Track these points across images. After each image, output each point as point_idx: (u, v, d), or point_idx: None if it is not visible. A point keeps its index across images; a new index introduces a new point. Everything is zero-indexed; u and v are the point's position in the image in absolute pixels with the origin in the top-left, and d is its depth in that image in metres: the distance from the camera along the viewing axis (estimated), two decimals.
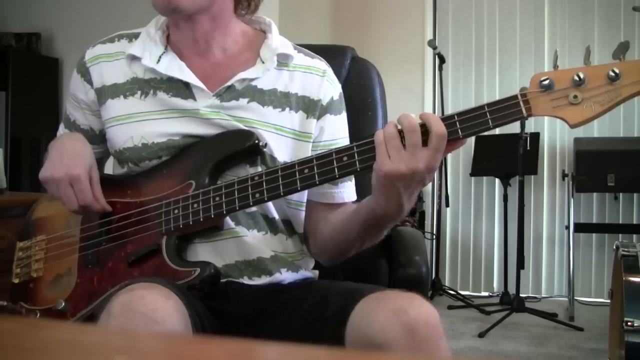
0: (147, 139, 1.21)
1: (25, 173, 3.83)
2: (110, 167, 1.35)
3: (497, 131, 4.25)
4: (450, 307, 3.89)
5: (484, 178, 4.42)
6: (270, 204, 1.22)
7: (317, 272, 1.32)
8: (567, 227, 3.91)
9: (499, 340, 3.22)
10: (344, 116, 1.31)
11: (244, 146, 1.18)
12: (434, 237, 4.31)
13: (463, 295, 4.16)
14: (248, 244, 1.19)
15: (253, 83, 1.23)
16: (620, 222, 4.20)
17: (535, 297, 4.21)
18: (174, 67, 1.22)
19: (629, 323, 1.92)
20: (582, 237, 4.19)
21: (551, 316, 3.56)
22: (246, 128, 1.20)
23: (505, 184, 4.01)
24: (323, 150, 1.15)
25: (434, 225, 4.32)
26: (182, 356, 0.51)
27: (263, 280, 1.20)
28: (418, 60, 4.53)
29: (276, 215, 1.24)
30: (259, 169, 1.19)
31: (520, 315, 3.48)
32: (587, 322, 3.50)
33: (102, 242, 1.22)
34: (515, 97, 1.01)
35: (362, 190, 1.32)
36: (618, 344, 2.11)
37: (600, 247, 4.22)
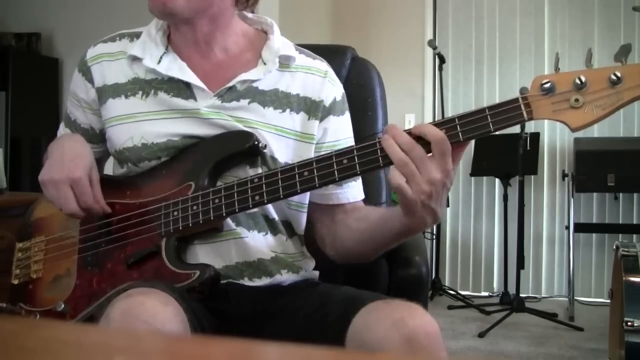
0: (147, 139, 1.21)
1: (25, 173, 3.83)
2: (110, 167, 1.35)
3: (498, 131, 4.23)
4: (450, 307, 3.89)
5: (484, 178, 4.42)
6: (270, 205, 1.22)
7: (317, 272, 1.32)
8: (567, 227, 3.91)
9: (499, 340, 3.22)
10: (347, 116, 1.31)
11: (243, 147, 1.18)
12: (434, 237, 4.31)
13: (463, 295, 4.16)
14: (248, 245, 1.19)
15: (254, 84, 1.22)
16: (620, 222, 4.20)
17: (535, 297, 4.21)
18: (175, 68, 1.22)
19: (629, 323, 1.92)
20: (582, 237, 4.19)
21: (551, 316, 3.56)
22: (246, 129, 1.19)
23: (505, 184, 4.01)
24: (325, 152, 1.15)
25: (433, 225, 4.32)
26: (182, 356, 0.51)
27: (263, 281, 1.20)
28: (418, 60, 4.53)
29: (276, 216, 1.24)
30: (259, 170, 1.19)
31: (520, 315, 3.49)
32: (587, 322, 3.51)
33: (101, 244, 1.22)
34: (516, 100, 1.01)
35: (367, 188, 1.32)
36: (618, 344, 2.12)
37: (600, 247, 4.22)
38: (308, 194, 1.26)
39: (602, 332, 3.08)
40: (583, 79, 0.98)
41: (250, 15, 1.31)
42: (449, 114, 4.34)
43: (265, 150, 1.19)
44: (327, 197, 1.26)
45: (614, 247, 2.27)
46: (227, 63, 1.24)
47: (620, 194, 4.13)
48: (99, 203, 1.20)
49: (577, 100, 0.98)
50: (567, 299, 3.96)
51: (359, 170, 1.07)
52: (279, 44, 1.25)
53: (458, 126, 1.02)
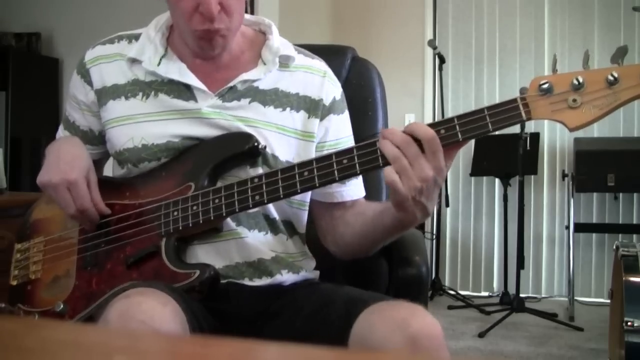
0: (148, 140, 1.21)
1: (25, 173, 3.83)
2: (109, 168, 1.35)
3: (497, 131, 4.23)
4: (450, 307, 3.89)
5: (484, 178, 4.42)
6: (271, 205, 1.22)
7: (317, 272, 1.32)
8: (567, 227, 3.90)
9: (499, 340, 3.22)
10: (346, 115, 1.31)
11: (243, 149, 1.18)
12: (434, 237, 4.31)
13: (463, 295, 4.16)
14: (249, 244, 1.19)
15: (254, 84, 1.23)
16: (620, 222, 4.19)
17: (535, 297, 4.21)
18: (175, 70, 1.22)
19: (629, 323, 1.92)
20: (582, 237, 4.19)
21: (551, 316, 3.56)
22: (245, 130, 1.20)
23: (505, 184, 4.01)
24: (327, 151, 1.15)
25: (434, 225, 4.32)
26: (182, 356, 0.51)
27: (264, 281, 1.20)
28: (418, 60, 4.53)
29: (277, 216, 1.24)
30: (260, 170, 1.19)
31: (520, 315, 3.48)
32: (587, 322, 3.50)
33: (101, 244, 1.21)
34: (514, 100, 1.02)
35: (367, 187, 1.32)
36: (618, 344, 2.11)
37: (600, 247, 4.22)
38: (310, 192, 1.26)
39: (602, 332, 3.08)
40: (581, 80, 0.99)
41: (248, 16, 1.31)
42: (449, 114, 4.34)
43: (266, 150, 1.19)
44: (330, 196, 1.27)
45: (614, 247, 2.27)
46: (227, 64, 1.24)
47: (620, 194, 4.12)
48: (97, 205, 1.20)
49: (575, 100, 1.00)
50: (567, 299, 3.96)
51: (359, 170, 1.07)
52: (278, 43, 1.26)
53: (457, 126, 1.02)
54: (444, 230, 4.45)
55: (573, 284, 3.83)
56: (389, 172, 1.02)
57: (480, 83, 4.46)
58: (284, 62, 1.26)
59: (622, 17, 4.17)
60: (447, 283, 4.37)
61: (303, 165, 1.10)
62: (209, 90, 1.21)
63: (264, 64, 1.24)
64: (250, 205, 1.13)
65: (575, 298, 3.86)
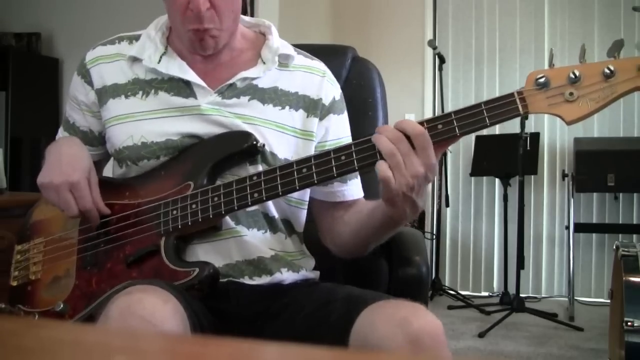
0: (147, 137, 1.21)
1: (25, 173, 3.83)
2: (109, 169, 1.35)
3: (497, 131, 4.26)
4: (450, 307, 3.89)
5: (484, 178, 4.42)
6: (270, 203, 1.22)
7: (317, 272, 1.32)
8: (567, 227, 3.91)
9: (499, 340, 3.22)
10: (346, 115, 1.32)
11: (241, 147, 1.18)
12: (434, 237, 4.31)
13: (463, 295, 4.16)
14: (248, 243, 1.20)
15: (254, 82, 1.24)
16: (620, 222, 4.20)
17: (535, 297, 4.21)
18: (175, 67, 1.23)
19: (629, 323, 1.92)
20: (582, 237, 4.19)
21: (551, 316, 3.56)
22: (244, 129, 1.20)
23: (505, 184, 4.01)
24: (321, 150, 1.15)
25: (434, 225, 4.32)
26: (182, 356, 0.51)
27: (264, 280, 1.20)
28: (418, 60, 4.53)
29: (276, 214, 1.24)
30: (260, 167, 1.20)
31: (520, 315, 3.49)
32: (587, 322, 3.51)
33: (100, 244, 1.22)
34: (511, 94, 1.02)
35: (365, 187, 1.32)
36: (618, 344, 2.11)
37: (600, 247, 4.22)
38: (308, 191, 1.27)
39: (602, 332, 3.08)
40: (577, 73, 1.00)
41: (247, 18, 1.32)
42: None
43: (264, 148, 1.20)
44: (332, 195, 1.27)
45: (614, 247, 2.27)
46: (227, 62, 1.25)
47: (620, 194, 4.12)
48: (98, 205, 1.20)
49: (571, 94, 1.00)
50: (567, 299, 3.96)
51: (357, 166, 1.07)
52: (278, 43, 1.27)
53: (454, 121, 1.03)
54: (444, 230, 4.45)
55: (573, 284, 3.83)
56: (383, 168, 1.02)
57: (480, 83, 4.46)
58: (284, 62, 1.26)
59: (622, 17, 4.17)
60: (447, 283, 4.37)
61: (301, 162, 1.11)
62: (209, 87, 1.22)
63: (264, 63, 1.25)
64: (249, 203, 1.13)
65: (575, 298, 3.86)
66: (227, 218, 1.18)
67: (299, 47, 1.33)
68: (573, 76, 1.00)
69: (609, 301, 2.43)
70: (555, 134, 4.28)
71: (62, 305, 1.19)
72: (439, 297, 4.11)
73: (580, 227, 3.96)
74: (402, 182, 1.02)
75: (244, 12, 1.34)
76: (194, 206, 1.15)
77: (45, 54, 4.27)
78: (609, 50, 1.00)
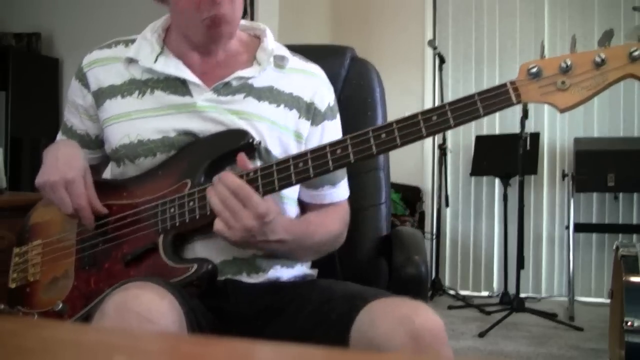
0: (143, 135, 1.23)
1: (25, 173, 3.83)
2: (108, 172, 1.36)
3: (497, 131, 4.26)
4: (450, 307, 3.89)
5: (484, 178, 4.42)
6: None
7: (316, 270, 1.32)
8: (567, 227, 3.90)
9: (499, 340, 3.22)
10: (338, 119, 1.34)
11: (238, 145, 1.19)
12: (434, 237, 4.31)
13: (463, 295, 4.16)
14: None
15: (249, 81, 1.25)
16: (620, 222, 4.19)
17: (535, 297, 4.21)
18: (171, 65, 1.24)
19: (629, 323, 1.91)
20: (582, 237, 4.19)
21: (551, 316, 3.56)
22: (240, 124, 1.21)
23: (505, 184, 4.01)
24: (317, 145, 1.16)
25: (434, 225, 4.32)
26: (182, 356, 0.51)
27: (261, 277, 1.21)
28: (418, 60, 4.53)
29: None
30: (257, 163, 1.20)
31: (520, 315, 3.48)
32: (587, 322, 3.50)
33: (98, 244, 1.22)
34: (504, 85, 1.04)
35: (367, 188, 1.32)
36: (618, 344, 2.11)
37: (600, 247, 4.22)
38: (297, 187, 1.28)
39: (602, 332, 3.08)
40: (568, 62, 1.02)
41: (243, 22, 1.33)
42: None
43: (260, 146, 1.21)
44: (320, 197, 1.29)
45: (614, 247, 2.27)
46: (223, 62, 1.27)
47: (620, 194, 4.12)
48: (94, 204, 1.21)
49: (563, 82, 1.02)
50: (567, 299, 3.96)
51: (353, 159, 1.08)
52: (273, 45, 1.28)
53: (448, 112, 1.04)
54: (444, 230, 4.45)
55: (573, 284, 3.83)
56: (216, 223, 1.09)
57: (480, 83, 4.46)
58: (279, 63, 1.28)
59: (622, 17, 4.17)
60: (447, 283, 4.37)
61: (298, 157, 1.11)
62: (205, 85, 1.23)
63: (259, 64, 1.27)
64: None
65: (575, 298, 3.86)
66: None
67: (298, 47, 1.34)
68: (564, 65, 1.02)
69: (609, 301, 2.43)
70: (555, 134, 4.28)
71: (60, 305, 1.20)
72: (439, 297, 4.11)
73: (580, 227, 3.96)
74: (238, 235, 1.08)
75: (244, 13, 1.34)
76: (191, 203, 1.16)
77: (45, 54, 4.27)
78: (600, 40, 1.02)
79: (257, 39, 1.32)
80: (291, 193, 1.28)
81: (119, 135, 1.24)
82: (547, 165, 4.33)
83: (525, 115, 3.50)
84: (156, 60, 1.25)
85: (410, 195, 4.35)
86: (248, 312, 1.18)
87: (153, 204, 1.19)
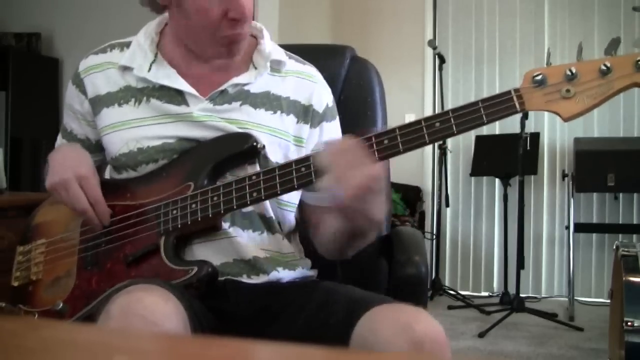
0: (143, 143, 1.22)
1: (25, 173, 3.83)
2: (107, 173, 1.37)
3: (497, 131, 4.26)
4: (450, 307, 3.89)
5: (484, 178, 4.42)
6: (267, 204, 1.22)
7: (315, 271, 1.32)
8: (567, 227, 3.90)
9: (499, 340, 3.22)
10: (337, 121, 1.33)
11: (242, 148, 1.19)
12: (434, 237, 4.31)
13: (463, 295, 4.16)
14: (243, 244, 1.20)
15: (245, 87, 1.24)
16: (620, 222, 4.20)
17: (535, 297, 4.21)
18: (164, 76, 1.24)
19: (629, 323, 1.91)
20: (582, 237, 4.19)
21: (551, 316, 3.56)
22: (243, 130, 1.21)
23: (505, 184, 4.01)
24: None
25: (434, 225, 4.32)
26: (182, 356, 0.51)
27: (261, 279, 1.21)
28: (418, 60, 4.53)
29: (273, 215, 1.25)
30: (258, 169, 1.20)
31: (520, 315, 3.49)
32: (587, 322, 3.51)
33: (101, 244, 1.22)
34: (508, 92, 1.03)
35: None
36: (618, 344, 2.11)
37: (600, 247, 4.22)
38: (299, 193, 1.27)
39: (602, 332, 3.08)
40: (574, 71, 1.01)
41: None
42: None
43: (265, 150, 1.20)
44: (321, 199, 1.27)
45: (614, 247, 2.27)
46: (218, 67, 1.25)
47: (620, 194, 4.13)
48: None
49: (568, 90, 1.01)
50: (567, 299, 3.96)
51: None
52: (270, 48, 1.27)
53: (452, 119, 1.03)
54: (444, 230, 4.45)
55: (573, 284, 3.84)
56: (326, 180, 1.03)
57: (480, 83, 4.46)
58: (275, 67, 1.27)
59: (622, 17, 4.18)
60: (447, 283, 4.37)
61: (300, 161, 1.11)
62: (200, 95, 1.22)
63: (255, 68, 1.25)
64: (248, 202, 1.14)
65: (575, 298, 3.86)
66: (223, 220, 1.18)
67: (298, 47, 1.33)
68: (570, 73, 1.01)
69: (609, 301, 2.43)
70: (555, 134, 4.28)
71: (61, 305, 1.20)
72: (439, 297, 4.11)
73: (580, 227, 3.96)
74: (348, 194, 1.01)
75: None
76: (193, 206, 1.16)
77: (45, 54, 4.27)
78: (606, 48, 1.01)
79: (254, 38, 1.30)
80: (292, 198, 1.27)
81: (118, 144, 1.24)
82: (547, 165, 4.33)
83: (525, 115, 3.50)
84: (150, 68, 1.24)
85: (411, 195, 4.35)
86: (247, 312, 1.18)
87: (156, 206, 1.19)
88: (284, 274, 1.23)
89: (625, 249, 2.15)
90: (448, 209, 4.39)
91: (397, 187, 4.21)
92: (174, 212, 1.17)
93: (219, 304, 1.16)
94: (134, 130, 1.23)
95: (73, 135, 1.34)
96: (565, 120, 1.02)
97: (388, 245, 1.45)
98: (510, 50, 4.40)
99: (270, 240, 1.24)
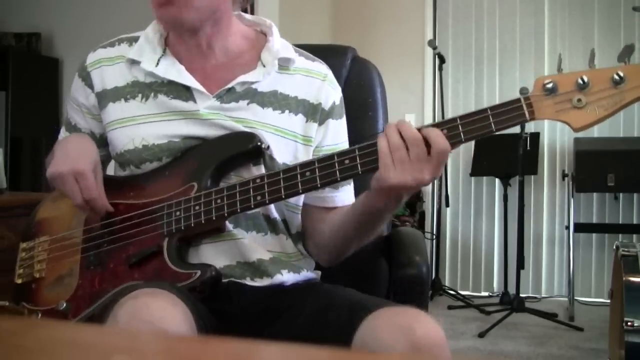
0: (148, 140, 1.21)
1: (25, 173, 3.83)
2: (111, 172, 1.35)
3: (499, 132, 4.23)
4: (450, 307, 3.89)
5: (484, 178, 4.42)
6: (272, 205, 1.22)
7: (319, 273, 1.32)
8: (567, 227, 3.90)
9: (499, 340, 3.22)
10: (344, 120, 1.31)
11: (246, 148, 1.18)
12: (434, 237, 4.31)
13: (463, 295, 4.16)
14: (247, 246, 1.19)
15: (253, 86, 1.23)
16: (620, 222, 4.19)
17: (535, 297, 4.21)
18: (173, 71, 1.23)
19: (629, 323, 1.91)
20: (582, 237, 4.19)
21: (551, 316, 3.56)
22: (249, 130, 1.20)
23: (505, 184, 4.01)
24: (324, 154, 1.15)
25: (434, 225, 4.32)
26: (182, 356, 0.51)
27: (265, 281, 1.20)
28: (418, 60, 4.53)
29: (277, 216, 1.24)
30: (263, 170, 1.19)
31: (520, 315, 3.48)
32: (587, 322, 3.50)
33: (104, 244, 1.22)
34: (518, 100, 1.01)
35: (360, 188, 1.32)
36: (618, 344, 2.11)
37: (600, 247, 4.22)
38: (303, 195, 1.26)
39: (602, 332, 3.08)
40: (585, 79, 0.98)
41: (248, 16, 1.32)
42: (449, 113, 4.34)
43: (269, 150, 1.19)
44: (321, 200, 1.27)
45: (614, 247, 2.27)
46: (226, 65, 1.25)
47: (620, 194, 4.12)
48: (102, 200, 1.20)
49: (579, 100, 0.98)
50: (567, 299, 3.96)
51: (361, 171, 1.07)
52: (279, 45, 1.26)
53: (460, 126, 1.02)
54: (444, 230, 4.45)
55: (573, 284, 3.83)
56: (384, 148, 1.02)
57: (480, 83, 4.46)
58: (284, 65, 1.25)
59: (622, 17, 4.17)
60: (447, 283, 4.37)
61: (305, 165, 1.10)
62: (207, 92, 1.21)
63: (263, 66, 1.24)
64: (252, 206, 1.13)
65: (575, 298, 3.86)
66: (227, 222, 1.18)
67: (299, 47, 1.32)
68: (581, 82, 0.98)
69: (609, 301, 2.43)
70: (555, 134, 4.27)
71: (64, 304, 1.20)
72: (439, 297, 4.11)
73: (580, 227, 3.96)
74: (404, 179, 1.02)
75: (245, 11, 1.33)
76: (197, 208, 1.15)
77: (45, 54, 4.27)
78: (619, 55, 0.97)
79: (263, 35, 1.29)
80: (298, 201, 1.26)
81: (123, 140, 1.23)
82: (547, 165, 4.33)
83: None
84: (158, 63, 1.23)
85: (411, 195, 4.35)
86: (250, 314, 1.18)
87: (159, 206, 1.19)
88: (288, 277, 1.22)
89: (625, 249, 2.15)
90: (448, 209, 4.39)
91: None
92: (177, 213, 1.16)
93: (221, 306, 1.16)
94: (140, 127, 1.22)
95: (77, 129, 1.33)
96: (576, 130, 0.99)
97: (388, 245, 1.45)
98: (510, 50, 4.40)
99: (274, 241, 1.23)
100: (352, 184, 1.30)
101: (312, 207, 1.28)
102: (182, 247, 1.17)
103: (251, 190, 1.12)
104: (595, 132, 4.13)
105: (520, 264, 3.60)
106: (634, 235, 4.06)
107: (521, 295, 3.59)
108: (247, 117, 1.21)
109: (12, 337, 0.52)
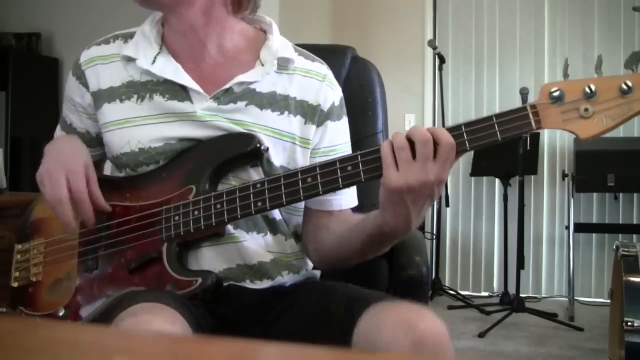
0: (144, 143, 1.19)
1: (25, 173, 3.83)
2: (107, 172, 1.34)
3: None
4: (450, 307, 3.89)
5: (484, 178, 4.42)
6: None
7: (318, 272, 1.32)
8: (567, 227, 3.91)
9: (499, 340, 3.22)
10: (344, 121, 1.28)
11: (245, 150, 1.16)
12: (434, 237, 4.31)
13: (463, 295, 4.16)
14: (247, 248, 1.18)
15: (251, 86, 1.20)
16: (620, 222, 4.20)
17: (535, 297, 4.21)
18: (170, 69, 1.19)
19: (629, 323, 1.91)
20: (582, 237, 4.19)
21: (551, 316, 3.56)
22: (247, 131, 1.17)
23: (505, 184, 4.01)
24: (325, 158, 1.13)
25: (434, 225, 4.32)
26: (182, 356, 0.51)
27: (265, 284, 1.19)
28: (418, 60, 4.53)
29: (277, 216, 1.23)
30: (261, 171, 1.18)
31: (520, 315, 3.48)
32: (587, 322, 3.51)
33: (102, 247, 1.20)
34: (524, 108, 0.99)
35: (367, 191, 1.31)
36: (618, 344, 2.11)
37: (600, 247, 4.22)
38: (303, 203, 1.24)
39: (602, 332, 3.08)
40: (593, 88, 0.96)
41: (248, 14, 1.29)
42: (449, 113, 4.34)
43: (268, 152, 1.17)
44: (320, 203, 1.24)
45: (614, 247, 2.27)
46: (223, 64, 1.21)
47: (620, 194, 4.13)
48: (98, 200, 1.17)
49: (586, 109, 0.96)
50: (567, 299, 3.96)
51: (364, 178, 1.04)
52: (278, 44, 1.22)
53: (465, 134, 1.00)
54: (444, 230, 4.45)
55: (573, 284, 3.83)
56: (386, 150, 0.99)
57: (480, 83, 4.46)
58: (283, 65, 1.22)
59: (622, 17, 4.17)
60: (447, 283, 4.37)
61: (306, 171, 1.07)
62: (205, 92, 1.18)
63: (262, 65, 1.21)
64: (253, 212, 1.11)
65: (575, 298, 3.86)
66: None
67: (299, 46, 1.31)
68: (589, 91, 0.96)
69: (609, 301, 2.43)
70: (555, 133, 4.27)
71: (63, 311, 1.18)
72: (439, 297, 4.11)
73: (580, 227, 3.96)
74: (407, 179, 0.98)
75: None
76: (196, 212, 1.13)
77: (45, 54, 4.26)
78: (627, 62, 0.95)
79: (263, 32, 1.26)
80: (300, 204, 1.24)
81: (119, 142, 1.21)
82: (547, 165, 4.33)
83: None
84: (154, 61, 1.20)
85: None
86: (250, 316, 1.17)
87: (157, 210, 1.16)
88: (288, 278, 1.22)
89: (625, 249, 2.14)
90: (448, 209, 4.39)
91: None
92: (176, 218, 1.14)
93: (221, 308, 1.15)
94: (136, 129, 1.19)
95: (73, 129, 1.30)
96: (583, 140, 0.98)
97: None
98: (510, 50, 4.40)
99: (274, 241, 1.22)
100: (353, 187, 1.26)
101: (312, 210, 1.25)
102: (182, 251, 1.15)
103: (251, 195, 1.10)
104: None
105: (520, 264, 3.60)
106: (634, 235, 4.06)
107: (521, 295, 3.59)
108: (245, 119, 1.18)
109: (12, 337, 0.52)
